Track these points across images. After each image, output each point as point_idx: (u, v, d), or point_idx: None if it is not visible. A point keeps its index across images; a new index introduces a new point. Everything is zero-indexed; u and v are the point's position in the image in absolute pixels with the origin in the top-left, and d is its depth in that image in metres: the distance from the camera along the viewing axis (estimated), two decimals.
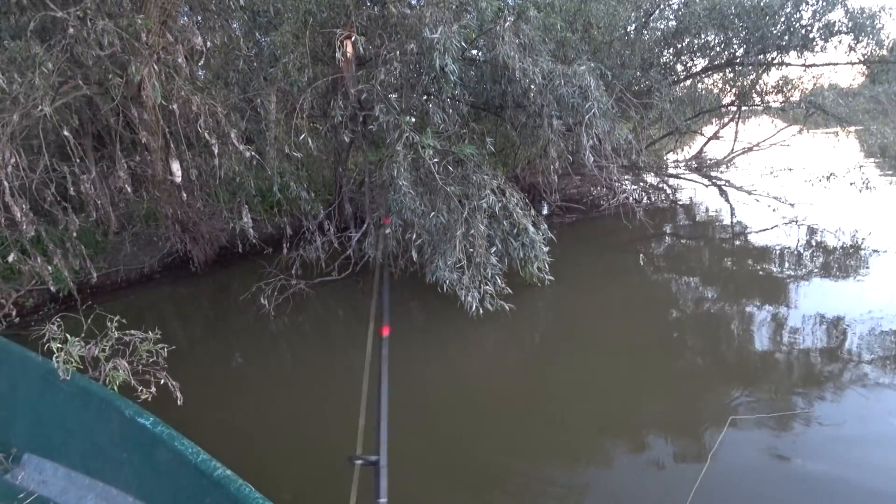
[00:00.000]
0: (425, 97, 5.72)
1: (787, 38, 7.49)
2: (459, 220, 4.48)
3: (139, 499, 2.14)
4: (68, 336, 2.64)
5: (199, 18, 6.09)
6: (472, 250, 4.60)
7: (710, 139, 11.80)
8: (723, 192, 10.49)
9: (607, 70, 6.49)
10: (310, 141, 5.03)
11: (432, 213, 4.59)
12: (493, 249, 4.84)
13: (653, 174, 10.41)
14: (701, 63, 9.11)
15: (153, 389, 2.93)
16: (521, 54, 5.20)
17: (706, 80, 10.05)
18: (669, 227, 8.41)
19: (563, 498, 2.81)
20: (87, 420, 2.35)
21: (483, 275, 4.65)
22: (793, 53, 8.02)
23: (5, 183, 3.73)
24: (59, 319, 2.83)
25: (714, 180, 11.40)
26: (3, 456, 2.52)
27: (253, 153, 5.07)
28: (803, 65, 8.44)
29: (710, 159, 12.24)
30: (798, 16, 7.38)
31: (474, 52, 6.15)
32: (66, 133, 4.32)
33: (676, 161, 12.48)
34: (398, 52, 4.94)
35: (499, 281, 4.77)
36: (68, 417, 2.44)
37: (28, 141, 4.83)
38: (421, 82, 5.39)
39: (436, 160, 4.63)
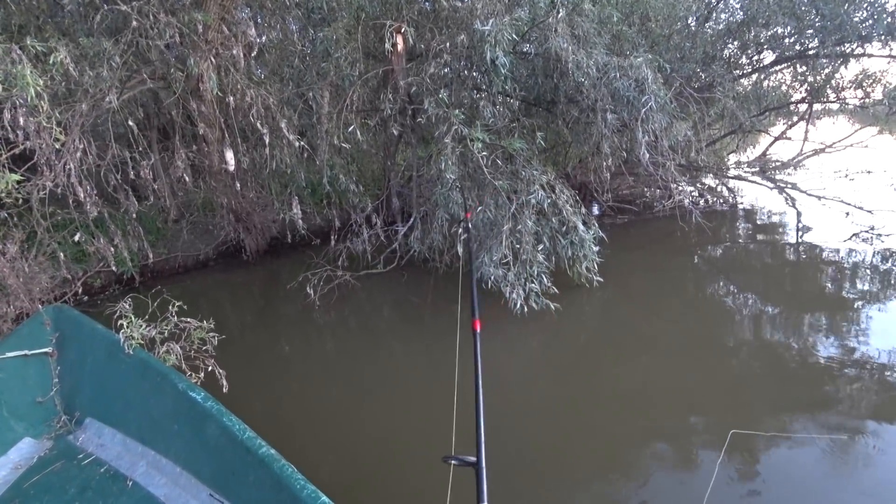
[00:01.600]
0: (475, 91, 5.66)
1: (870, 24, 6.85)
2: (507, 216, 4.38)
3: (186, 469, 2.22)
4: (132, 317, 2.78)
5: (257, 16, 6.31)
6: (518, 247, 4.50)
7: (776, 139, 11.07)
8: (789, 197, 9.73)
9: (666, 63, 6.19)
10: (359, 134, 5.07)
11: (479, 208, 4.51)
12: (541, 247, 4.70)
13: (712, 175, 9.89)
14: (769, 56, 8.53)
15: (202, 375, 3.04)
16: (574, 46, 5.04)
17: (774, 75, 9.40)
18: (728, 233, 7.90)
19: None
20: (145, 391, 2.47)
21: (529, 272, 4.53)
22: (876, 43, 7.35)
23: (71, 165, 3.96)
24: (129, 299, 3.01)
25: (779, 183, 10.66)
26: (68, 418, 2.70)
27: (304, 144, 5.16)
28: (888, 55, 7.70)
29: (776, 161, 11.50)
30: (883, 0, 6.74)
31: (526, 45, 6.02)
32: (130, 123, 4.54)
33: (738, 162, 11.81)
34: (448, 45, 4.88)
35: (545, 279, 4.64)
36: (128, 388, 2.57)
37: (96, 128, 5.13)
38: (471, 76, 5.33)
39: (484, 154, 4.55)
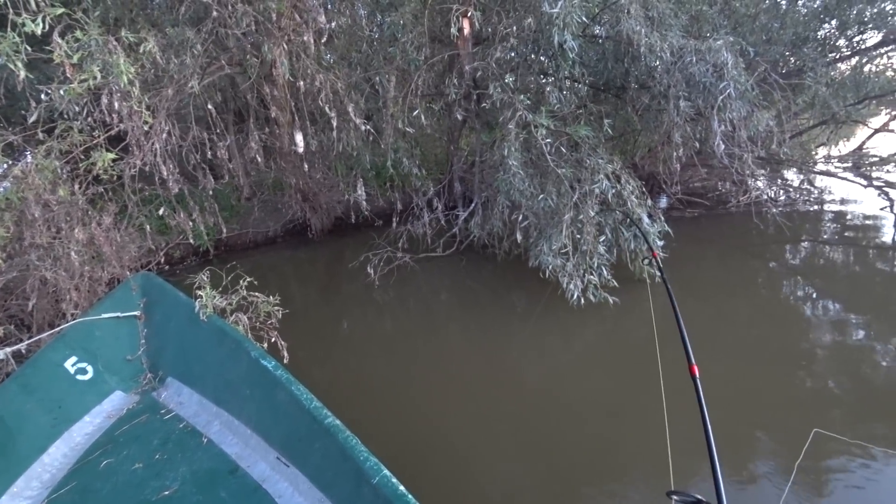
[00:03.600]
0: (542, 76, 5.52)
1: None
2: (569, 205, 4.29)
3: (256, 433, 2.35)
4: (208, 288, 2.98)
5: (327, 3, 6.47)
6: (579, 237, 4.39)
7: (876, 131, 9.96)
8: (886, 196, 8.78)
9: (749, 46, 5.75)
10: (423, 118, 5.11)
11: (541, 196, 4.44)
12: (602, 238, 4.57)
13: (796, 170, 9.12)
14: (873, 37, 7.66)
15: (265, 345, 3.23)
16: (647, 29, 4.78)
17: (879, 58, 8.41)
18: (812, 233, 7.26)
19: None
20: (221, 356, 2.64)
21: (588, 263, 4.42)
22: None
23: (157, 146, 4.27)
24: (208, 272, 3.22)
25: (876, 181, 9.63)
26: (153, 376, 2.94)
27: (369, 128, 5.28)
28: None
29: (874, 156, 10.41)
30: None
31: (597, 28, 5.79)
32: (210, 107, 4.83)
33: (828, 156, 10.81)
34: (515, 29, 4.79)
35: (605, 272, 4.51)
36: (206, 352, 2.75)
37: (179, 112, 5.50)
38: (538, 60, 5.21)
39: (548, 141, 4.46)
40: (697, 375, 1.75)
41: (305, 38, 5.00)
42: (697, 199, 8.16)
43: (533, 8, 4.98)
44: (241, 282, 3.34)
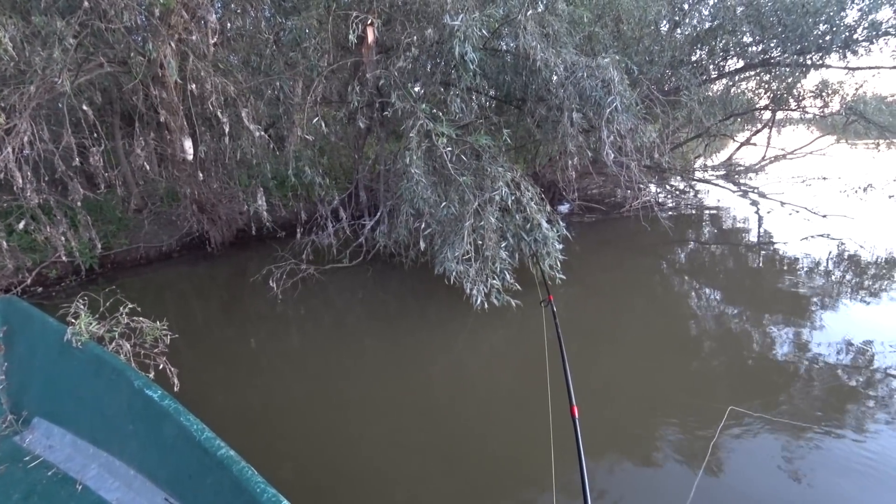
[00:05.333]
0: (444, 87, 5.64)
1: (829, 38, 7.11)
2: (470, 211, 4.39)
3: (141, 473, 2.13)
4: (83, 314, 2.67)
5: (231, 3, 6.15)
6: (481, 242, 4.50)
7: (742, 144, 11.40)
8: (752, 201, 10.06)
9: (634, 65, 6.29)
10: (323, 126, 4.99)
11: (443, 204, 4.50)
12: (504, 244, 4.72)
13: (679, 178, 10.11)
14: (735, 64, 8.76)
15: (152, 374, 2.95)
16: (543, 45, 5.07)
17: (741, 83, 9.68)
18: (694, 234, 8.10)
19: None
20: (98, 389, 2.34)
21: (491, 268, 4.54)
22: (834, 56, 7.63)
23: (9, 149, 3.79)
24: (85, 298, 2.88)
25: (743, 187, 10.99)
26: (14, 418, 2.55)
27: (262, 133, 5.05)
28: (846, 67, 8.01)
29: (741, 166, 11.83)
30: (842, 14, 6.99)
31: (501, 43, 6.03)
32: (85, 108, 4.38)
33: (705, 165, 12.11)
34: (416, 39, 4.86)
35: (508, 276, 4.66)
36: (81, 385, 2.43)
37: (55, 113, 4.94)
38: (440, 71, 5.31)
39: (449, 149, 4.54)
40: (577, 417, 1.84)
41: (195, 38, 4.70)
42: (595, 205, 8.75)
43: (435, 19, 5.09)
44: (121, 308, 3.04)
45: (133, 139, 5.44)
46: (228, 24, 5.29)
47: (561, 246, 5.03)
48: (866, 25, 7.07)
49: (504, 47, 6.03)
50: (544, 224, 4.82)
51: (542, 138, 6.36)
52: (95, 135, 4.64)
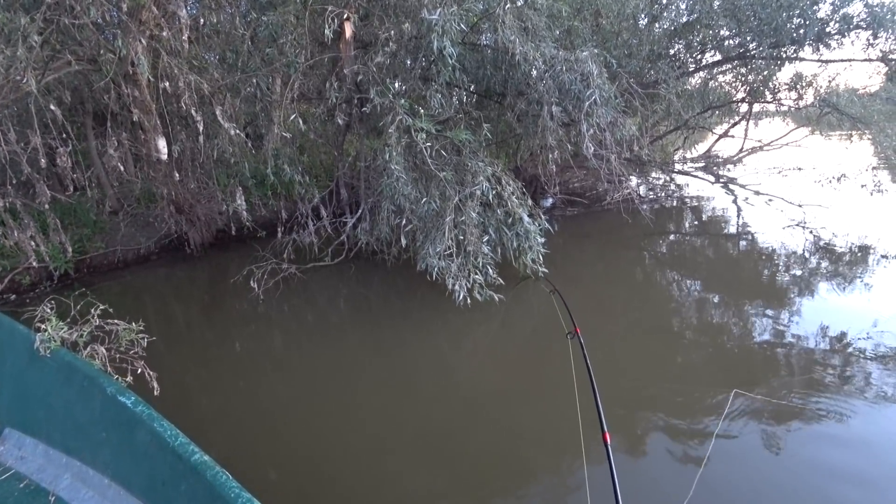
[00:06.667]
0: (423, 82, 5.60)
1: (802, 31, 7.22)
2: (450, 207, 4.37)
3: (115, 481, 2.07)
4: (53, 318, 2.58)
5: None
6: (462, 238, 4.49)
7: (720, 137, 11.55)
8: (730, 192, 10.23)
9: (613, 59, 6.32)
10: (302, 122, 4.92)
11: (424, 200, 4.47)
12: (486, 238, 4.71)
13: (659, 170, 10.22)
14: (712, 57, 8.85)
15: (129, 378, 2.88)
16: (522, 39, 5.06)
17: (718, 76, 9.80)
18: (674, 225, 8.21)
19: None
20: (70, 397, 2.28)
21: (474, 264, 4.53)
22: (808, 49, 7.77)
23: None
24: (52, 302, 2.79)
25: (721, 179, 11.16)
26: None
27: (238, 131, 4.95)
28: (819, 60, 8.16)
29: (719, 157, 12.01)
30: (815, 8, 7.11)
31: (480, 37, 6.00)
32: (53, 108, 4.24)
33: (684, 158, 12.26)
34: (394, 34, 4.81)
35: (490, 271, 4.65)
36: (51, 393, 2.37)
37: (20, 113, 4.78)
38: (419, 65, 5.27)
39: (429, 145, 4.51)
40: (609, 442, 1.83)
41: (166, 34, 4.59)
42: (577, 199, 8.80)
43: (413, 14, 5.05)
44: (92, 310, 2.95)
45: (106, 139, 5.27)
46: (203, 21, 5.16)
47: (543, 240, 5.04)
48: (838, 19, 7.19)
49: (483, 42, 6.01)
50: (526, 218, 4.82)
51: (523, 132, 6.35)
52: (64, 135, 4.50)
